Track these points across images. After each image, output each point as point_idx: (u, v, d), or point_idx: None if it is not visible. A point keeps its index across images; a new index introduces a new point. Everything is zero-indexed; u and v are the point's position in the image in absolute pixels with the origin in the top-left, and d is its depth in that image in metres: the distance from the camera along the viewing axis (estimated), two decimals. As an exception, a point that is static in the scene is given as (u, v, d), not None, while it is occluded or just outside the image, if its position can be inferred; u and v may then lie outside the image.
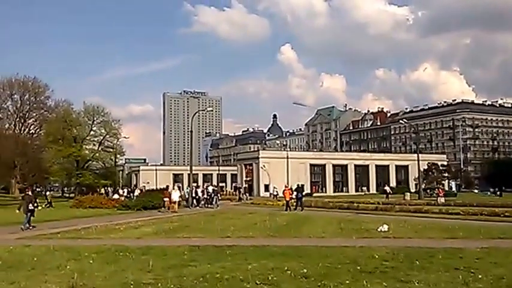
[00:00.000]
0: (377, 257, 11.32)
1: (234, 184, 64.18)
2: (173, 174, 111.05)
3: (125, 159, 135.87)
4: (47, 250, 12.81)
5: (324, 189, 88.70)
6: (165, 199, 34.94)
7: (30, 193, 22.83)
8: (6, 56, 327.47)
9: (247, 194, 62.33)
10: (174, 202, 34.39)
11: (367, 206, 34.90)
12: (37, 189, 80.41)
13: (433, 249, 12.30)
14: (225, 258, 11.27)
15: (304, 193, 54.09)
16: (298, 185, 40.30)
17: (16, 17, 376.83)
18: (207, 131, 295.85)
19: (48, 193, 51.19)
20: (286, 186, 38.88)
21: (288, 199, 35.21)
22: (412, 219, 23.67)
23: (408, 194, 56.56)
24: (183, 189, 42.96)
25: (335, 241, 14.82)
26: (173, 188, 38.02)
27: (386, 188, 59.62)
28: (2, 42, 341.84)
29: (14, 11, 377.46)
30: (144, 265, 10.34)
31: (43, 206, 37.14)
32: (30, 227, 20.63)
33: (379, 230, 17.62)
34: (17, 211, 21.83)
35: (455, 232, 16.91)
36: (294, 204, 35.18)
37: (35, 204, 22.16)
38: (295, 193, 36.10)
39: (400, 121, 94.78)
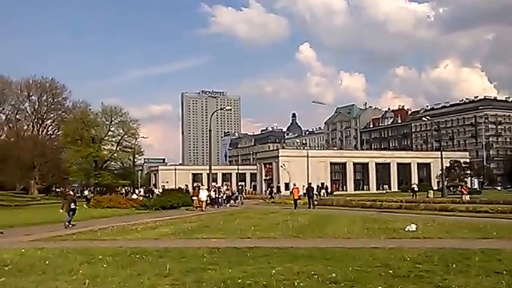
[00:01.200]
0: (409, 259, 10.62)
1: (268, 183, 62.98)
2: (192, 174, 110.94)
3: (144, 159, 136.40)
4: (60, 253, 12.28)
5: (344, 187, 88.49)
6: (194, 198, 36.28)
7: (71, 193, 25.83)
8: (23, 58, 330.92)
9: (280, 193, 60.51)
10: (202, 201, 35.26)
11: (391, 204, 33.98)
12: (57, 190, 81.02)
13: (468, 251, 11.50)
14: (246, 262, 10.65)
15: (322, 191, 54.51)
16: (309, 184, 40.91)
17: (33, 19, 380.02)
18: (226, 131, 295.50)
19: (86, 192, 51.63)
20: (294, 185, 40.07)
21: (296, 197, 36.27)
22: (439, 217, 22.76)
23: (431, 191, 55.76)
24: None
25: (362, 242, 14.13)
26: (201, 188, 39.15)
27: (414, 186, 58.20)
28: (18, 44, 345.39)
29: (30, 12, 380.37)
30: (161, 269, 9.78)
31: (84, 205, 38.30)
32: (70, 225, 21.79)
33: (406, 229, 16.92)
34: (61, 210, 22.87)
35: (487, 232, 16.09)
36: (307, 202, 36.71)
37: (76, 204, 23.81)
38: (303, 192, 38.56)
39: (423, 118, 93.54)
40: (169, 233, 17.77)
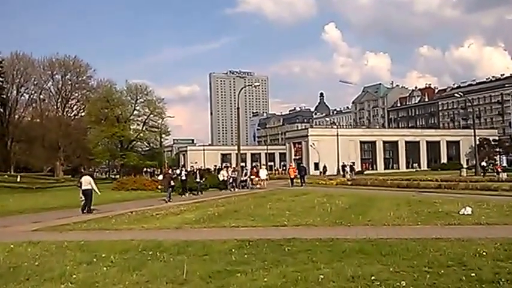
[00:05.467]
0: (485, 254, 8.51)
1: (342, 162, 60.45)
2: (221, 154, 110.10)
3: (173, 140, 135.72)
4: (57, 249, 10.38)
5: (374, 166, 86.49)
6: (252, 177, 38.72)
7: (170, 172, 31.48)
8: (50, 38, 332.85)
9: (354, 172, 56.94)
10: (263, 180, 38.27)
11: (429, 183, 31.69)
12: (84, 171, 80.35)
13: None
14: (285, 260, 8.56)
15: (355, 170, 52.76)
16: (300, 164, 46.52)
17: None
18: (254, 111, 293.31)
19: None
20: (290, 165, 45.47)
21: (292, 176, 40.21)
22: (486, 198, 20.24)
23: (464, 170, 52.95)
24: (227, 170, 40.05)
25: (417, 230, 11.93)
26: (261, 167, 42.34)
27: (484, 163, 54.71)
28: (45, 24, 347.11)
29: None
30: (177, 272, 7.77)
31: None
32: (171, 200, 25.23)
33: (461, 213, 14.84)
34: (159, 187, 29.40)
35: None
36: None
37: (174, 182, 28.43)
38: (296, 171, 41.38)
39: (455, 95, 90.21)
40: (193, 220, 15.72)
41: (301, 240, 10.45)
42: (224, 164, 54.33)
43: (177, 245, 10.37)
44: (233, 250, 9.61)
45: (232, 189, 34.81)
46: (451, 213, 15.01)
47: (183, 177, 31.97)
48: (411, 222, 13.50)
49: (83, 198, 20.47)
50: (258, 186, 37.54)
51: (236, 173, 37.78)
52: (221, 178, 36.22)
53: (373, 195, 25.02)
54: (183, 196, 29.73)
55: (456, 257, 8.33)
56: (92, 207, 20.33)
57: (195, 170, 35.99)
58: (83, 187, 20.48)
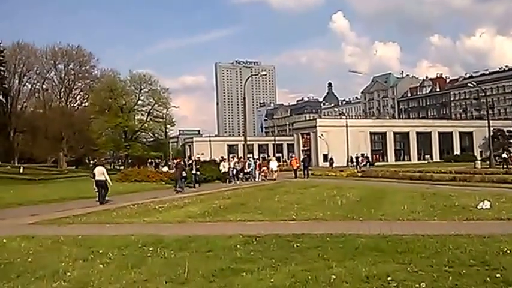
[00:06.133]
0: (509, 252, 8.01)
1: (355, 153, 59.50)
2: (228, 145, 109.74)
3: (179, 130, 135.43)
4: (52, 244, 10.00)
5: (385, 158, 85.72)
6: (263, 168, 39.59)
7: (182, 163, 31.32)
8: (53, 28, 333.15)
9: (369, 164, 55.86)
10: (274, 171, 39.35)
11: (443, 176, 31.14)
12: (90, 162, 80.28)
13: None
14: (293, 257, 8.13)
15: (367, 163, 52.16)
16: (304, 156, 46.44)
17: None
18: (261, 101, 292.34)
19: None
20: (292, 157, 47.11)
21: (295, 168, 40.15)
22: (504, 191, 19.71)
23: (479, 162, 52.12)
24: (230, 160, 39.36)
25: (434, 226, 11.47)
26: (271, 159, 43.59)
27: (505, 154, 53.64)
28: (47, 14, 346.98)
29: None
30: (179, 270, 7.35)
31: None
32: (183, 190, 26.14)
33: (479, 207, 14.28)
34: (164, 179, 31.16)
35: None
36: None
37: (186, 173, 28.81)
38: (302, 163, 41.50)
39: (468, 84, 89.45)
40: (198, 213, 15.31)
41: (311, 236, 10.00)
42: (232, 155, 53.81)
43: (179, 240, 9.96)
44: (238, 246, 9.19)
45: (234, 182, 34.07)
46: (469, 207, 14.48)
47: (193, 171, 31.48)
48: (427, 217, 12.97)
49: (96, 189, 20.65)
50: (269, 177, 37.88)
51: (240, 164, 37.20)
52: (222, 170, 35.29)
53: (385, 188, 24.57)
54: (193, 188, 29.33)
55: (478, 256, 7.85)
56: (106, 198, 20.64)
57: (191, 161, 35.32)
58: (96, 178, 20.64)
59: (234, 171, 35.38)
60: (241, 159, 39.63)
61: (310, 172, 46.52)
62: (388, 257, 7.98)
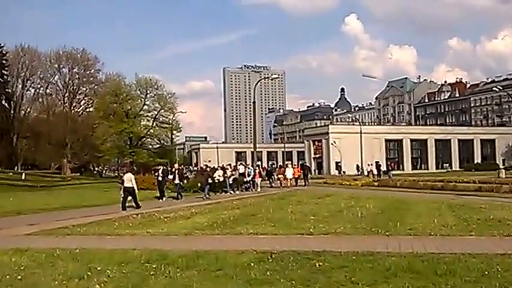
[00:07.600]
0: None
1: (375, 161, 58.18)
2: (235, 152, 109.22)
3: (186, 137, 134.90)
4: (46, 259, 9.14)
5: (401, 166, 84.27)
6: (279, 176, 40.25)
7: (208, 170, 33.54)
8: (60, 31, 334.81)
9: (391, 173, 55.07)
10: (290, 179, 39.05)
11: (467, 186, 30.15)
12: (94, 169, 79.70)
13: None
14: (316, 279, 7.22)
15: (382, 170, 51.27)
16: (303, 164, 48.35)
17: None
18: (270, 107, 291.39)
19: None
20: (294, 166, 46.40)
21: (296, 176, 40.23)
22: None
23: (503, 170, 50.92)
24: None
25: (473, 242, 10.32)
26: (287, 166, 42.57)
27: None
28: (52, 17, 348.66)
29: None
30: (184, 294, 6.46)
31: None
32: (209, 196, 27.44)
33: (517, 221, 13.24)
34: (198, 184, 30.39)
35: None
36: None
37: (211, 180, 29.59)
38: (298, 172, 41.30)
39: (493, 88, 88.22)
40: (205, 224, 14.43)
41: (334, 254, 9.05)
42: (239, 162, 52.81)
43: (185, 256, 9.05)
44: (252, 264, 8.29)
45: (232, 192, 31.94)
46: (506, 221, 13.40)
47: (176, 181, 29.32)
48: (461, 232, 11.83)
49: (123, 195, 21.24)
50: (284, 185, 38.11)
51: (238, 171, 35.22)
52: (217, 179, 32.02)
53: (405, 198, 23.56)
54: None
55: (533, 281, 6.87)
56: (138, 203, 21.36)
57: (173, 170, 31.69)
58: (125, 184, 21.28)
59: (231, 181, 33.15)
60: (235, 167, 37.51)
61: (322, 180, 45.90)
62: (426, 280, 7.06)
